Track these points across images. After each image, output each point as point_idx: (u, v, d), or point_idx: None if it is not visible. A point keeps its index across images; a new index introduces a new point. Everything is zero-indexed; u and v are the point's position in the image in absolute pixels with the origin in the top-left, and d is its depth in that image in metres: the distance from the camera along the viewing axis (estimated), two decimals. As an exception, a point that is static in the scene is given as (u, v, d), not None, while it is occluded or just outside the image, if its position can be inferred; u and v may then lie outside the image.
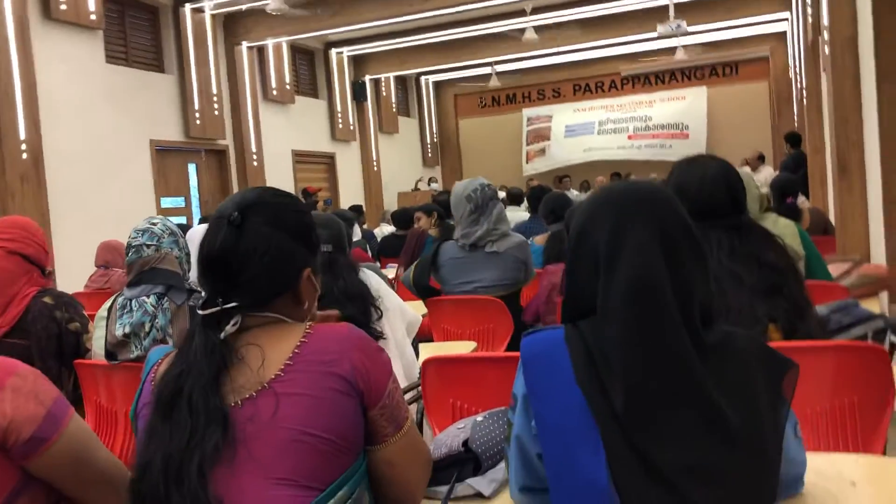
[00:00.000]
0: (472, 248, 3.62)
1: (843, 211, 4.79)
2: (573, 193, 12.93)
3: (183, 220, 9.50)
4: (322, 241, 2.44)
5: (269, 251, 1.28)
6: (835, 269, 3.59)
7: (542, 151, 15.70)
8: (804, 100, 8.43)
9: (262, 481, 1.17)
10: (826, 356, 1.90)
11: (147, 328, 2.50)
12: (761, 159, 11.54)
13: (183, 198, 9.77)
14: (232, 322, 1.27)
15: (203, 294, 1.33)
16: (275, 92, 11.24)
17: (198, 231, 2.80)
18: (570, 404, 1.15)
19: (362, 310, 2.45)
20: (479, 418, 1.53)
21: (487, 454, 1.45)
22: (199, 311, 1.28)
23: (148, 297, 2.53)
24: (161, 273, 2.56)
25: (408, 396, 2.42)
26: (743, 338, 1.19)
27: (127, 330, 2.51)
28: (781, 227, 3.27)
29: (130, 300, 2.54)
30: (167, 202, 9.43)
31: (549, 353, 1.19)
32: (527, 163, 15.83)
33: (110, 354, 2.55)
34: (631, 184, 1.28)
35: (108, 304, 2.64)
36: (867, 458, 1.44)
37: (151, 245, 2.59)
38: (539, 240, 4.73)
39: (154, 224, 2.67)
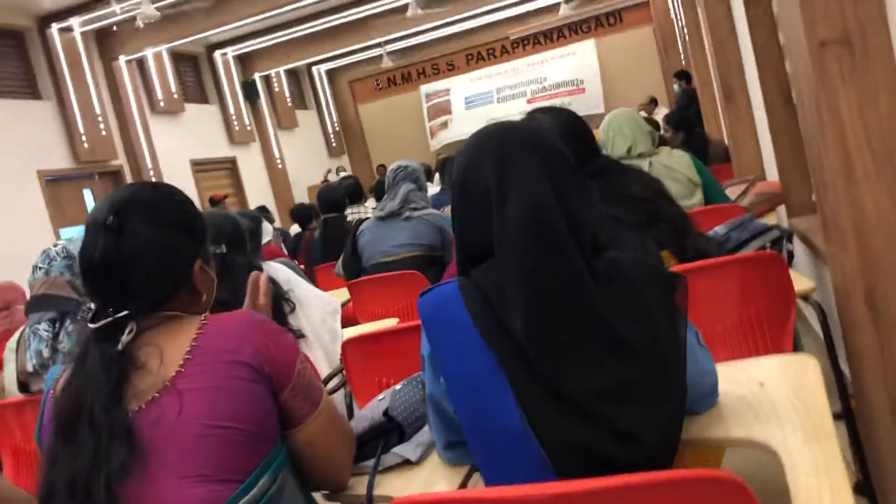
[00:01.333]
0: (386, 219, 3.76)
1: (735, 136, 4.95)
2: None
3: (87, 248, 9.15)
4: (213, 242, 2.38)
5: (155, 251, 1.23)
6: (732, 191, 3.72)
7: (445, 125, 15.75)
8: (687, 37, 8.65)
9: (178, 482, 1.13)
10: (729, 271, 1.96)
11: (47, 354, 2.41)
12: (654, 102, 11.85)
13: (83, 226, 9.38)
14: (127, 331, 1.21)
15: (91, 306, 1.26)
16: (162, 103, 10.89)
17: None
18: (472, 352, 1.14)
19: (272, 310, 2.40)
20: (398, 387, 1.52)
21: (410, 420, 1.44)
22: (90, 325, 1.22)
23: (40, 323, 2.43)
24: (49, 300, 2.47)
25: (334, 383, 2.40)
26: (629, 261, 1.21)
27: (35, 361, 2.43)
28: (676, 158, 3.36)
29: (27, 329, 2.46)
30: (67, 232, 9.04)
31: (445, 307, 1.19)
32: (431, 139, 15.85)
33: (23, 385, 2.47)
34: (508, 122, 1.28)
35: (16, 335, 2.55)
36: (772, 357, 1.50)
37: (42, 268, 2.50)
38: (447, 210, 4.73)
39: (55, 246, 2.58)
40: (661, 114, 11.02)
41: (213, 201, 10.88)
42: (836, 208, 1.72)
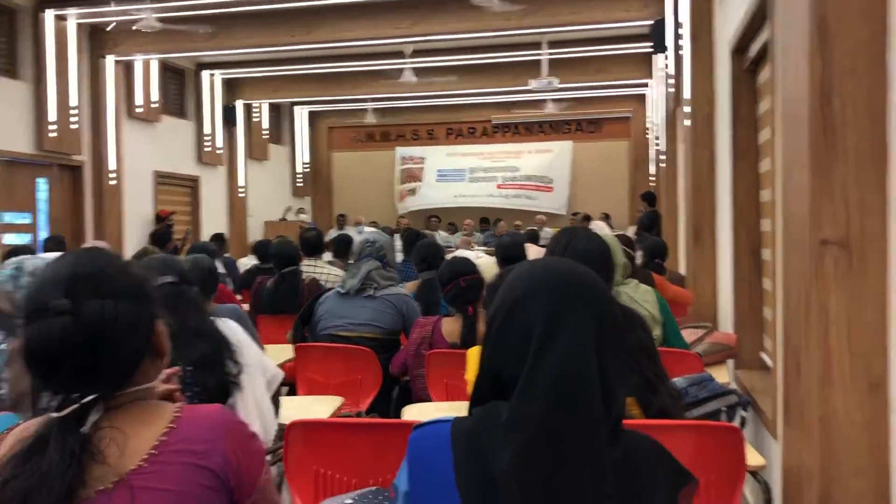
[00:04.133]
0: (348, 295, 3.71)
1: (696, 275, 5.07)
2: (442, 235, 13.10)
3: (28, 237, 8.84)
4: (163, 273, 2.30)
5: (117, 327, 1.15)
6: (688, 335, 3.78)
7: (414, 192, 15.85)
8: (661, 163, 8.93)
9: None
10: (685, 436, 1.96)
11: None
12: (606, 218, 12.35)
13: (29, 213, 9.08)
14: (94, 412, 1.13)
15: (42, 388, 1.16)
16: (140, 109, 10.73)
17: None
18: None
19: (214, 349, 2.32)
20: (349, 501, 1.46)
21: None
22: (55, 416, 1.12)
23: None
24: None
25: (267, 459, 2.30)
26: (646, 446, 1.16)
27: None
28: (642, 293, 3.41)
29: None
30: (10, 217, 8.74)
31: (434, 453, 1.13)
32: (399, 201, 15.91)
33: None
34: (571, 266, 1.22)
35: None
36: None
37: None
38: (409, 286, 4.71)
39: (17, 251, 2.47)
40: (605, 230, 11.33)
41: (160, 217, 10.66)
42: (806, 400, 1.74)
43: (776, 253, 2.69)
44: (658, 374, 2.12)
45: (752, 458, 2.04)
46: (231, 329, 2.49)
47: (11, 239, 8.45)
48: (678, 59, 6.19)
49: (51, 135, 8.98)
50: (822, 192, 1.67)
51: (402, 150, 16.25)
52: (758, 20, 3.42)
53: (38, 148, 8.94)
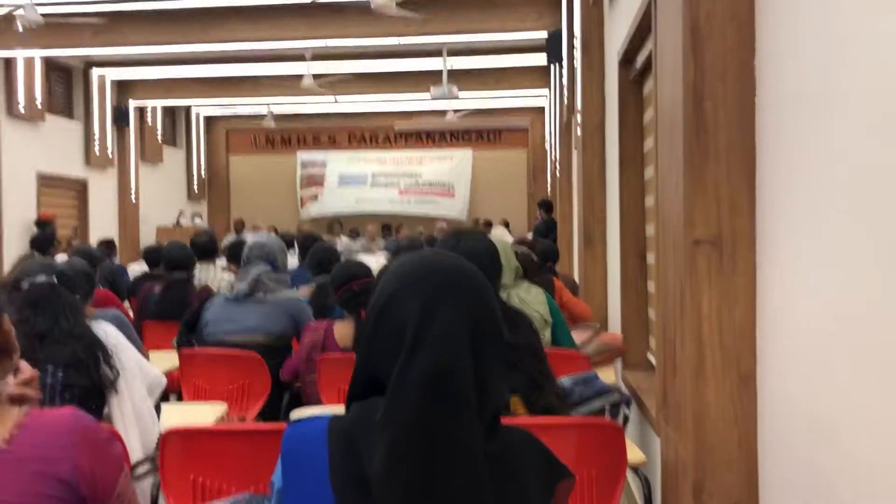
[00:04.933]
0: (237, 299, 3.60)
1: (587, 279, 5.19)
2: (343, 240, 12.96)
3: None
4: (34, 273, 2.19)
5: None
6: (577, 335, 3.85)
7: (316, 198, 15.67)
8: (557, 171, 9.13)
9: None
10: (568, 433, 1.99)
11: None
12: (506, 225, 12.59)
13: None
14: None
15: None
16: (22, 108, 10.18)
17: None
18: (319, 501, 1.07)
19: (90, 353, 2.23)
20: (224, 505, 1.40)
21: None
22: None
23: None
24: None
25: (142, 469, 2.20)
26: (521, 441, 1.16)
27: None
28: (533, 295, 3.45)
29: None
30: None
31: (308, 448, 1.10)
32: (301, 207, 15.69)
33: None
34: (445, 258, 1.20)
35: None
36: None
37: None
38: (304, 292, 4.62)
39: None
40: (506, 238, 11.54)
41: (41, 222, 10.09)
42: (681, 395, 1.79)
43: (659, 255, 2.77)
44: (544, 372, 2.15)
45: (633, 454, 2.08)
46: (107, 333, 2.38)
47: None
48: (572, 70, 6.34)
49: (-81, 132, 8.41)
50: (695, 191, 1.72)
51: (302, 155, 16.06)
52: (643, 31, 3.53)
53: None
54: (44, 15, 7.39)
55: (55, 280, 2.35)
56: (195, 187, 15.64)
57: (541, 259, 5.74)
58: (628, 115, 4.11)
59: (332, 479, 1.07)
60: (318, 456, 1.10)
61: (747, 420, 1.69)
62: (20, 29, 7.53)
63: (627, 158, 4.13)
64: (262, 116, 14.23)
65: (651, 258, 3.96)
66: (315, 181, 15.78)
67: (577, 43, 5.57)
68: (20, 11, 7.30)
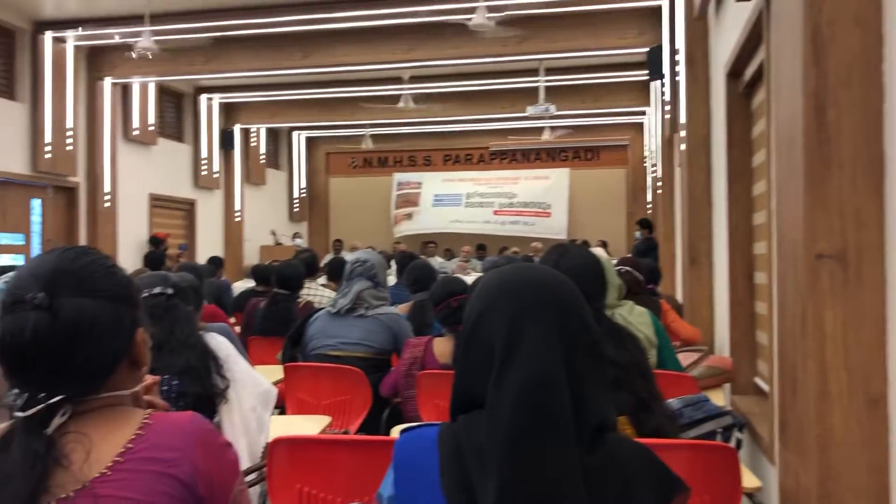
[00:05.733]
0: (339, 314, 3.66)
1: (692, 300, 5.03)
2: (438, 261, 13.06)
3: (21, 258, 8.79)
4: (160, 285, 2.29)
5: (95, 327, 1.11)
6: (684, 358, 3.73)
7: (410, 216, 15.83)
8: (658, 189, 8.93)
9: None
10: (680, 454, 1.91)
11: None
12: (603, 245, 12.40)
13: (23, 235, 9.05)
14: (60, 414, 1.08)
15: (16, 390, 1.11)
16: (137, 132, 10.74)
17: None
18: None
19: (203, 362, 2.30)
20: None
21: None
22: (18, 414, 1.08)
23: None
24: None
25: (250, 478, 2.25)
26: (632, 451, 1.12)
27: None
28: (637, 315, 3.36)
29: None
30: (3, 238, 8.70)
31: (419, 456, 1.11)
32: (395, 225, 15.89)
33: None
34: (529, 272, 1.19)
35: None
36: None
37: None
38: (402, 309, 4.66)
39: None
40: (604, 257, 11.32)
41: (155, 240, 10.60)
42: (803, 419, 1.70)
43: (772, 274, 2.65)
44: (652, 392, 2.08)
45: (748, 479, 1.99)
46: (219, 343, 2.46)
47: (4, 260, 8.41)
48: (674, 85, 6.20)
49: (46, 156, 8.98)
50: (816, 204, 1.64)
51: (399, 176, 16.28)
52: (752, 42, 3.42)
53: (33, 169, 8.93)
54: (157, 41, 7.79)
55: (170, 292, 2.44)
56: (296, 208, 16.10)
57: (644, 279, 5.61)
58: (736, 129, 3.98)
59: (444, 487, 1.07)
60: (429, 463, 1.10)
61: (877, 444, 1.59)
62: (136, 56, 7.96)
63: (735, 173, 3.99)
64: (360, 138, 14.55)
65: (760, 278, 3.81)
66: (410, 201, 15.96)
67: (681, 57, 5.45)
68: (137, 40, 7.72)
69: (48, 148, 8.99)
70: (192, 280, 3.27)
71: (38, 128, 8.91)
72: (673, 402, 2.36)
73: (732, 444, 2.22)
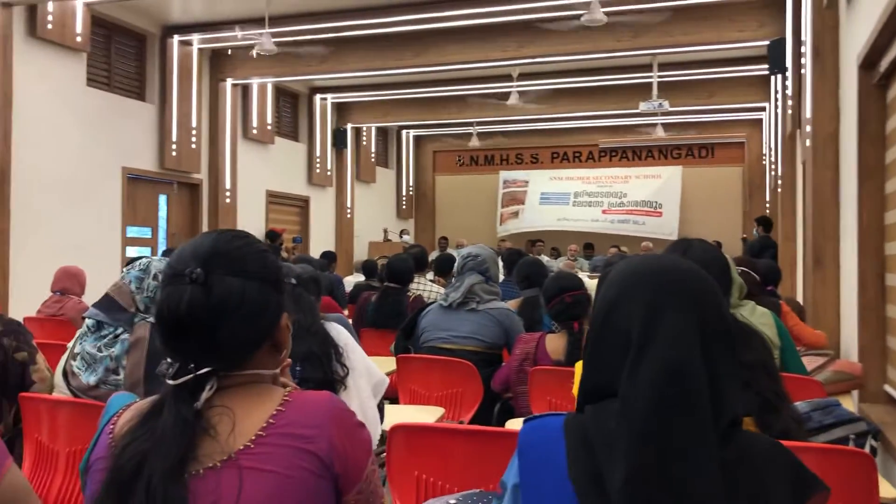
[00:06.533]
0: (451, 308, 3.69)
1: (816, 303, 4.79)
2: (544, 259, 12.97)
3: (147, 250, 9.31)
4: (290, 275, 2.38)
5: (243, 305, 1.17)
6: (808, 362, 3.57)
7: (516, 214, 15.79)
8: (778, 188, 8.56)
9: None
10: (809, 458, 1.82)
11: (97, 358, 2.42)
12: (718, 245, 11.77)
13: (150, 228, 9.58)
14: (208, 387, 1.15)
15: (169, 360, 1.19)
16: (255, 131, 11.18)
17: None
18: (561, 501, 1.05)
19: (324, 350, 2.37)
20: (452, 501, 1.42)
21: (461, 542, 1.34)
22: (170, 382, 1.16)
23: (91, 321, 2.48)
24: (110, 304, 2.50)
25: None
26: (769, 448, 1.08)
27: (77, 362, 2.44)
28: (759, 316, 3.24)
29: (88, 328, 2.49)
30: (133, 231, 9.23)
31: (545, 444, 1.10)
32: (500, 224, 15.89)
33: (65, 378, 2.47)
34: (664, 260, 1.17)
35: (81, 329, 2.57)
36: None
37: (125, 272, 2.56)
38: (512, 304, 4.66)
39: (140, 259, 2.61)
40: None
41: (273, 234, 11.00)
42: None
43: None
44: (779, 393, 1.99)
45: (885, 489, 1.88)
46: (339, 332, 2.53)
47: (132, 252, 8.92)
48: (799, 79, 5.93)
49: (172, 154, 9.47)
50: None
51: (505, 174, 16.26)
52: (890, 31, 3.23)
53: (160, 166, 9.43)
54: (276, 43, 8.08)
55: (294, 282, 2.52)
56: (403, 205, 16.36)
57: (761, 280, 5.38)
58: (870, 124, 3.77)
59: (572, 475, 1.06)
60: (555, 452, 1.09)
61: None
62: (255, 56, 8.27)
63: (868, 170, 3.78)
64: (466, 136, 14.63)
65: (893, 280, 3.60)
66: (516, 199, 15.92)
67: (807, 49, 5.20)
68: (257, 42, 8.03)
69: (174, 146, 9.48)
70: (312, 271, 3.37)
71: (165, 127, 9.41)
72: (800, 405, 2.26)
73: (867, 451, 2.11)
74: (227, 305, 1.16)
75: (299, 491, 1.10)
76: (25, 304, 5.81)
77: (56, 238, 7.75)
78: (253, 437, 1.12)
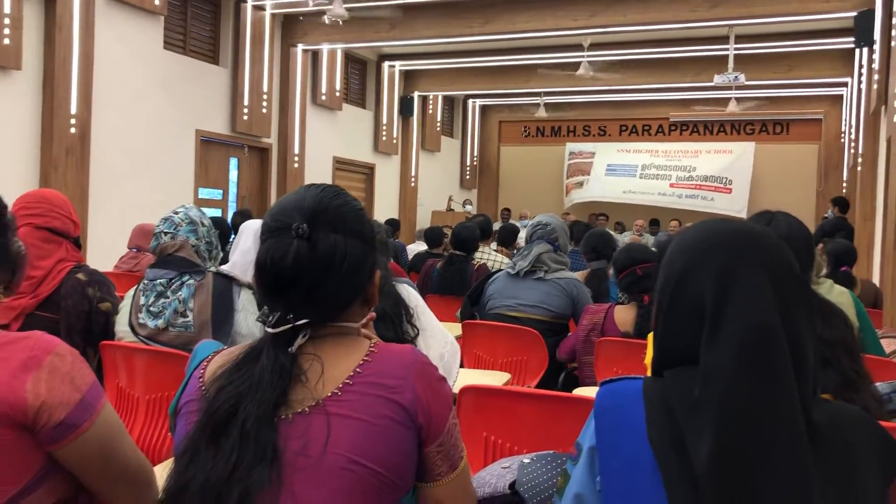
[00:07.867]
0: (518, 276, 3.70)
1: None
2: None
3: (218, 211, 9.53)
4: None
5: (345, 262, 1.21)
6: (887, 344, 3.46)
7: (580, 185, 15.57)
8: (858, 167, 8.26)
9: None
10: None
11: (157, 308, 2.56)
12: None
13: (221, 190, 9.80)
14: (301, 335, 1.19)
15: (267, 310, 1.23)
16: (324, 97, 11.27)
17: (250, 225, 2.89)
18: (639, 464, 1.04)
19: (395, 310, 2.40)
20: (527, 460, 1.43)
21: (534, 501, 1.35)
22: (269, 330, 1.20)
23: (157, 279, 2.61)
24: (175, 261, 2.62)
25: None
26: (858, 418, 1.05)
27: (147, 311, 2.59)
28: (836, 296, 3.17)
29: (149, 283, 2.62)
30: (204, 193, 9.45)
31: (623, 406, 1.09)
32: (566, 195, 15.71)
33: (132, 328, 2.60)
34: (729, 223, 1.15)
35: (135, 287, 2.69)
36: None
37: (168, 233, 2.67)
38: (579, 276, 4.63)
39: (176, 213, 2.72)
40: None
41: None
42: None
43: None
44: (860, 372, 1.94)
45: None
46: (409, 293, 2.55)
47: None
48: (887, 52, 5.68)
49: (244, 118, 9.63)
50: None
51: (571, 146, 16.05)
52: None
53: (232, 129, 9.61)
54: (347, 9, 8.10)
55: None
56: (467, 175, 16.33)
57: (832, 261, 5.20)
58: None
59: (651, 437, 1.05)
60: (633, 414, 1.08)
61: None
62: (327, 22, 8.31)
63: (960, 147, 3.61)
64: (533, 107, 14.46)
65: (983, 262, 3.45)
66: (581, 170, 15.70)
67: (897, 20, 4.97)
68: (329, 7, 8.06)
69: (245, 110, 9.64)
70: (383, 233, 3.41)
71: (237, 91, 9.56)
72: (880, 385, 2.19)
73: (950, 435, 2.04)
74: (331, 261, 1.20)
75: (384, 439, 1.12)
76: (103, 259, 6.03)
77: (132, 196, 7.99)
78: (340, 385, 1.15)
